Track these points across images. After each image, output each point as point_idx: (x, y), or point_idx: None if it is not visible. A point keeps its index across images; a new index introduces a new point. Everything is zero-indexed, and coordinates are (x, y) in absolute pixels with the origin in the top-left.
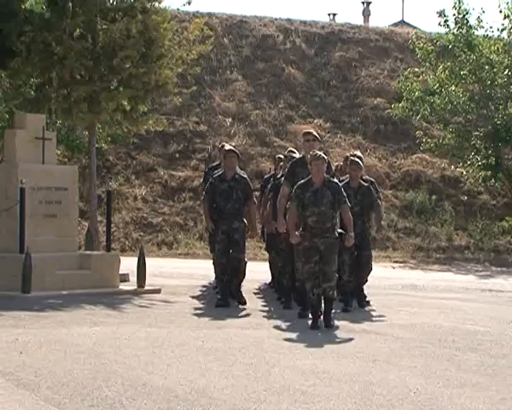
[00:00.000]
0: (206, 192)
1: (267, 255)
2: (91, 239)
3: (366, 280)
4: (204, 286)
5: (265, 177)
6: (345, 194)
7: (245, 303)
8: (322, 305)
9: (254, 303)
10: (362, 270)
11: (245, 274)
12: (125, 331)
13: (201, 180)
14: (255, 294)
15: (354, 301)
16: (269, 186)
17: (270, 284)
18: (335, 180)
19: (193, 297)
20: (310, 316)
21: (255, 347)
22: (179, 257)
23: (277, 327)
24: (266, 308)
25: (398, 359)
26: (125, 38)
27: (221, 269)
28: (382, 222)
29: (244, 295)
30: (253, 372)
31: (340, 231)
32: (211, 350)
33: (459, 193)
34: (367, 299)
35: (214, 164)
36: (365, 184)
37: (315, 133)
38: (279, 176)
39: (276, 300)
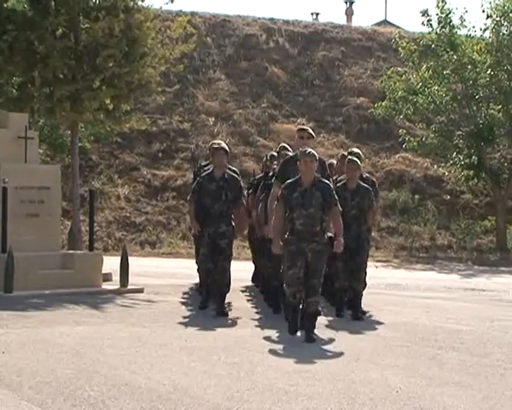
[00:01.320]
0: (193, 192)
1: (251, 254)
2: (74, 238)
3: (362, 292)
4: (187, 286)
5: (257, 176)
6: (336, 196)
7: (226, 315)
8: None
9: (238, 302)
10: (354, 277)
11: (230, 286)
12: (107, 331)
13: (192, 180)
14: (242, 292)
15: (347, 311)
16: (260, 186)
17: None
18: (326, 180)
19: (176, 297)
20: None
21: (238, 346)
22: (162, 256)
23: (261, 327)
24: (250, 308)
25: (381, 358)
26: (107, 36)
27: (206, 275)
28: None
29: (229, 294)
30: (236, 372)
31: (330, 235)
32: (194, 350)
33: (442, 192)
34: (365, 310)
35: (204, 163)
36: (364, 185)
37: (310, 130)
38: (271, 175)
39: (264, 301)
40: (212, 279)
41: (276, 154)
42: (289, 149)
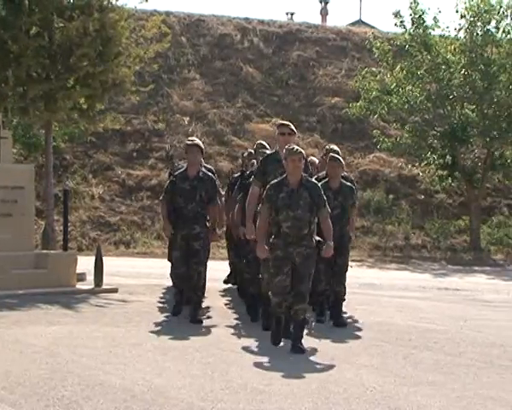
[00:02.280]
0: (166, 191)
1: (225, 254)
2: (48, 238)
3: (344, 296)
4: (162, 286)
5: (234, 175)
6: (324, 196)
7: (201, 322)
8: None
9: (214, 302)
10: (336, 280)
11: (204, 291)
12: (81, 331)
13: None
14: (218, 291)
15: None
16: (236, 186)
17: (225, 280)
18: (314, 180)
19: (150, 297)
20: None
21: (213, 346)
22: (137, 256)
23: (235, 327)
24: (225, 307)
25: (356, 357)
26: (81, 36)
27: (179, 280)
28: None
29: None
30: (211, 371)
31: (317, 238)
32: (168, 349)
33: (416, 192)
34: (347, 315)
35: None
36: (347, 184)
37: (292, 126)
38: (248, 174)
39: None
40: (185, 284)
41: (253, 151)
42: (266, 146)
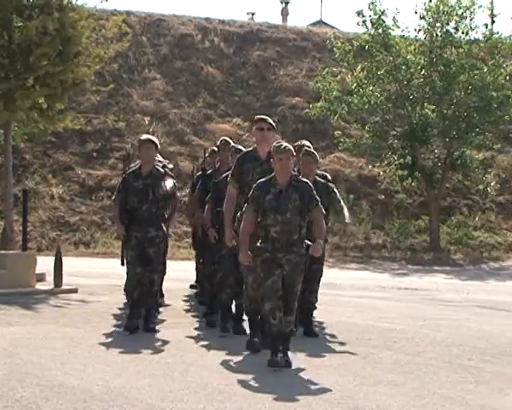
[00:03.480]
0: (118, 191)
1: (185, 254)
2: (7, 238)
3: (315, 303)
4: (122, 286)
5: (197, 174)
6: (316, 196)
7: (154, 331)
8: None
9: (173, 302)
10: (310, 288)
11: (157, 299)
12: (40, 331)
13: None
14: (177, 291)
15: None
16: (198, 186)
17: (191, 285)
18: (305, 179)
19: (110, 297)
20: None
21: (172, 346)
22: (97, 256)
23: (196, 327)
24: (185, 308)
25: (315, 357)
26: (41, 35)
27: (133, 283)
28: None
29: (165, 294)
30: (170, 372)
31: (308, 243)
32: (127, 350)
33: (376, 192)
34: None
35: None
36: (323, 181)
37: (270, 120)
38: (208, 173)
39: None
40: (138, 288)
41: (216, 149)
42: (231, 142)
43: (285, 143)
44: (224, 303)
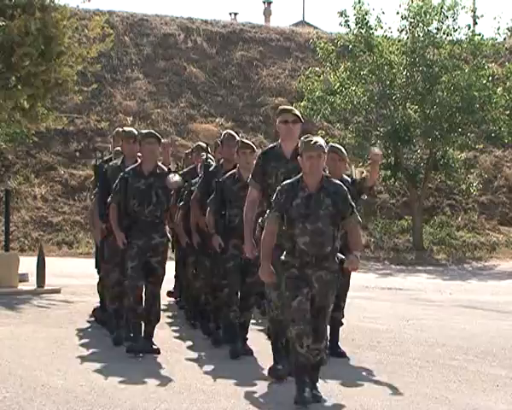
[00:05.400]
0: (116, 192)
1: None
2: None
3: (341, 320)
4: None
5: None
6: (351, 201)
7: (158, 352)
8: None
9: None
10: (336, 302)
11: (159, 316)
12: (23, 332)
13: (95, 177)
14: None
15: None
16: (195, 186)
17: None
18: (337, 181)
19: (93, 297)
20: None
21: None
22: (80, 257)
23: (179, 328)
24: (168, 309)
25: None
26: (23, 35)
27: (135, 296)
28: None
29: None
30: (154, 372)
31: (341, 257)
32: (111, 350)
33: None
34: None
35: (108, 156)
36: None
37: (296, 111)
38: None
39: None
40: (139, 305)
41: (219, 143)
42: (237, 136)
43: (315, 138)
44: (232, 322)
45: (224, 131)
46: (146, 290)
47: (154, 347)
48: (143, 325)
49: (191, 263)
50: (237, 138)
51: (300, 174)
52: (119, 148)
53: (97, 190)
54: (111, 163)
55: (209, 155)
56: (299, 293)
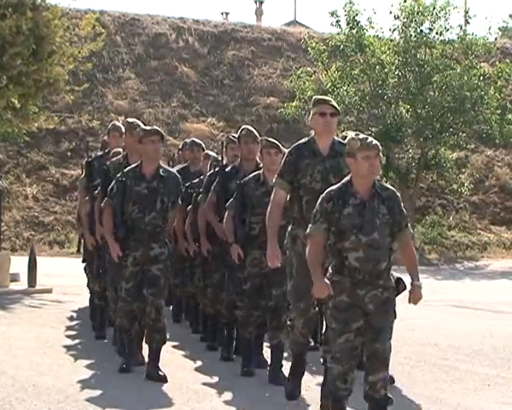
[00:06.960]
0: (111, 196)
1: None
2: None
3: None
4: None
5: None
6: (405, 210)
7: (165, 380)
8: None
9: None
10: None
11: (165, 336)
12: (15, 332)
13: (84, 175)
14: None
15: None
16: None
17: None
18: (390, 186)
19: (84, 297)
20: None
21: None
22: (71, 256)
23: (170, 328)
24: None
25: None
26: (14, 34)
27: (129, 318)
28: None
29: None
30: (146, 372)
31: (397, 275)
32: (102, 350)
33: None
34: None
35: (100, 153)
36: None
37: (334, 103)
38: (228, 170)
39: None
40: (137, 326)
41: (234, 137)
42: (257, 134)
43: (369, 137)
44: (248, 342)
45: (242, 126)
46: (147, 304)
47: (161, 373)
48: (148, 348)
49: (199, 277)
50: (256, 134)
51: (347, 178)
52: (119, 149)
53: (99, 191)
54: (113, 159)
55: (214, 154)
56: (346, 329)
